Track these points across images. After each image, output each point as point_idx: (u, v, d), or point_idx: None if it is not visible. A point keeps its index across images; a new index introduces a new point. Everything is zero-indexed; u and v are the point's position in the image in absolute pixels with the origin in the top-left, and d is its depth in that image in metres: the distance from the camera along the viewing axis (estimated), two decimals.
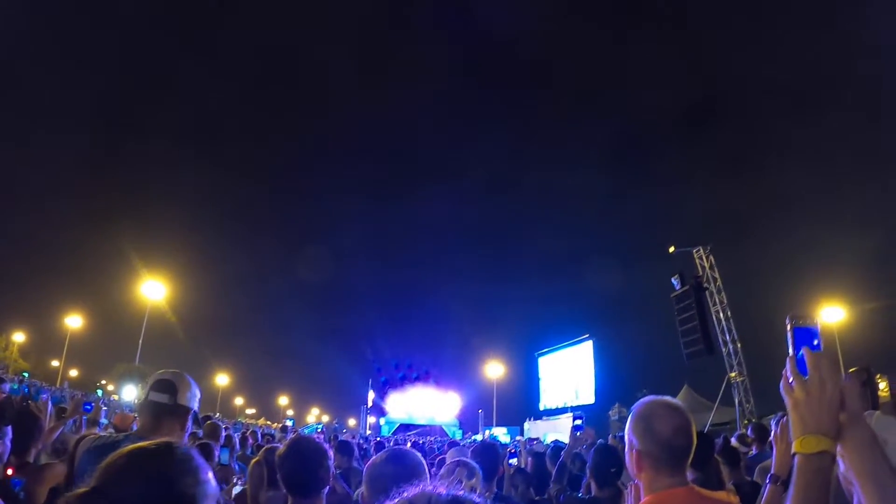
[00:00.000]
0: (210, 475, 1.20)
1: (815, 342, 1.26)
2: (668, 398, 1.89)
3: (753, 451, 6.49)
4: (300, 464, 2.37)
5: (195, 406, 2.53)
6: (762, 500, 2.22)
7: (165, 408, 2.40)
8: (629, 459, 1.86)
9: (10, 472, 3.18)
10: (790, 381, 1.24)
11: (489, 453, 3.78)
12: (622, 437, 1.95)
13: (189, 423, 2.47)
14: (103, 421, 6.97)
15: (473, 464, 3.03)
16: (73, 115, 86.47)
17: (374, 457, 2.09)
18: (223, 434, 5.96)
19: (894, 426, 1.44)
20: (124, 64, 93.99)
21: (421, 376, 61.31)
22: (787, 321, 1.31)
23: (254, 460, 2.58)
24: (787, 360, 1.25)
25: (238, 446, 6.19)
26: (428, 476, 1.99)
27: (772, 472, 2.56)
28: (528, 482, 5.45)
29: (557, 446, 6.52)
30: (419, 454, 2.04)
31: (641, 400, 1.91)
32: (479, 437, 41.92)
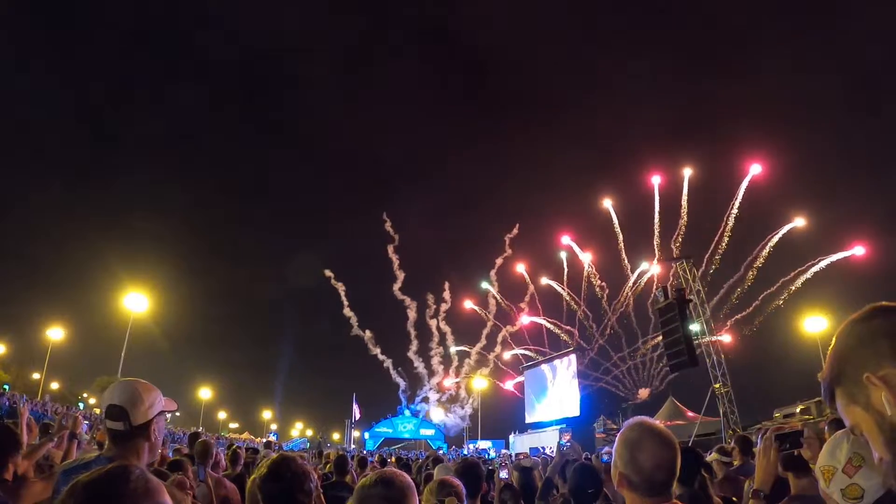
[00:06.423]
0: (166, 495, 1.26)
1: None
2: (656, 423, 1.94)
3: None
4: (280, 486, 2.37)
5: (156, 411, 2.44)
6: None
7: (122, 434, 2.36)
8: (613, 473, 1.92)
9: None
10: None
11: (472, 471, 3.81)
12: (605, 458, 2.01)
13: (155, 427, 2.41)
14: (85, 436, 6.88)
15: (458, 482, 3.06)
16: (55, 126, 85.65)
17: (362, 478, 2.12)
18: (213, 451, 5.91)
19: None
20: (107, 75, 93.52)
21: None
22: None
23: (251, 478, 2.58)
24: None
25: (224, 463, 6.12)
26: (416, 498, 2.03)
27: (753, 486, 2.63)
28: (515, 498, 5.47)
29: (546, 459, 6.55)
30: (407, 476, 2.07)
31: (631, 421, 1.96)
32: (465, 451, 41.74)
